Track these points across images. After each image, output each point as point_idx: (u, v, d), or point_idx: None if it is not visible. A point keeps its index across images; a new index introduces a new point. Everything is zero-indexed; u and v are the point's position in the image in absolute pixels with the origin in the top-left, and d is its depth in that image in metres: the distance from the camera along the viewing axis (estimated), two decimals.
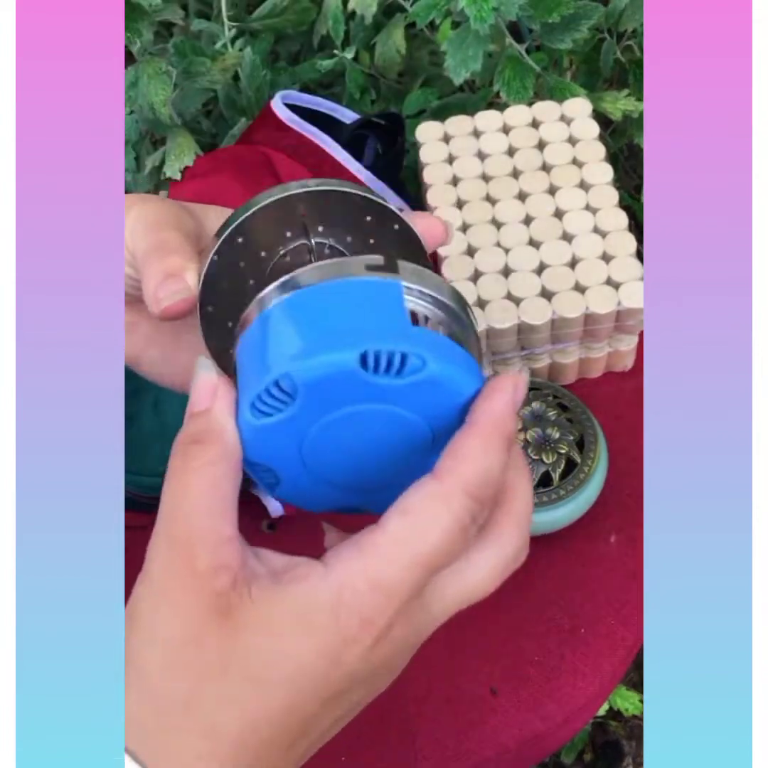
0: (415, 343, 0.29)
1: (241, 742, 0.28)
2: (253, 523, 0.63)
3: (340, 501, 0.33)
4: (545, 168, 0.65)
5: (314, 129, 0.73)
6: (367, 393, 0.29)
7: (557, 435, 0.58)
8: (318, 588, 0.28)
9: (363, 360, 0.29)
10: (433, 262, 0.66)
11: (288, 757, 0.29)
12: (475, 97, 0.80)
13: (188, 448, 0.29)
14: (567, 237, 0.62)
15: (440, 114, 0.78)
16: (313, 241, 0.35)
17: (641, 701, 0.76)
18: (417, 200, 0.72)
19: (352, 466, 0.32)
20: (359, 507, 0.33)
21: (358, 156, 0.73)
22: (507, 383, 0.29)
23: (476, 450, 0.28)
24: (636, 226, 0.80)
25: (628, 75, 0.76)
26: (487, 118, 0.67)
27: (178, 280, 0.33)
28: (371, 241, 0.36)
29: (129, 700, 0.29)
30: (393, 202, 0.71)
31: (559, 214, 0.63)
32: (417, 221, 0.35)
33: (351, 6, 0.78)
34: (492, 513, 0.30)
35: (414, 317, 0.31)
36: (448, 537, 0.28)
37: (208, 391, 0.30)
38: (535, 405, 0.60)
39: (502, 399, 0.29)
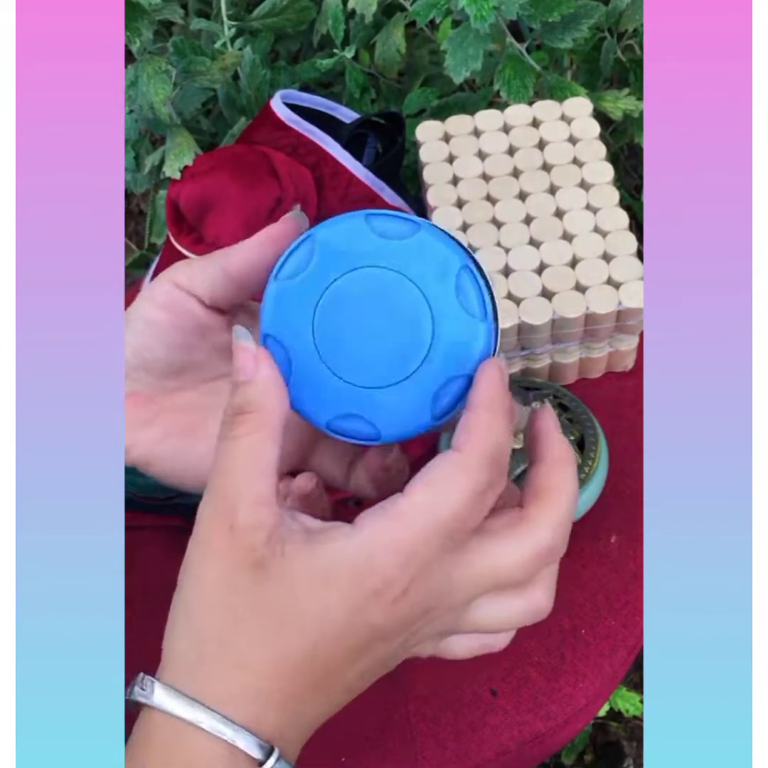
0: (410, 216, 0.35)
1: (271, 676, 0.32)
2: None
3: (342, 405, 0.35)
4: (546, 167, 0.65)
5: (314, 128, 0.73)
6: (371, 251, 0.35)
7: None
8: (344, 547, 0.31)
9: (368, 220, 0.35)
10: None
11: (315, 700, 0.33)
12: (476, 96, 0.80)
13: (234, 418, 0.32)
14: (567, 237, 0.62)
15: (440, 113, 0.78)
16: None
17: (642, 702, 0.76)
18: (417, 200, 0.72)
19: (357, 353, 0.35)
20: (358, 413, 0.35)
21: (358, 155, 0.73)
22: (493, 367, 0.34)
23: (484, 424, 0.33)
24: (636, 226, 0.80)
25: (629, 74, 0.76)
26: (488, 118, 0.67)
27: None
28: None
29: (175, 635, 0.33)
30: (393, 201, 0.71)
31: (559, 213, 0.63)
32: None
33: (351, 5, 0.78)
34: (528, 506, 0.34)
35: None
36: (468, 502, 0.32)
37: (250, 360, 0.33)
38: (536, 405, 0.60)
39: (494, 379, 0.34)
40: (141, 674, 0.35)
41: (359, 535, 0.32)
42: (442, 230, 0.35)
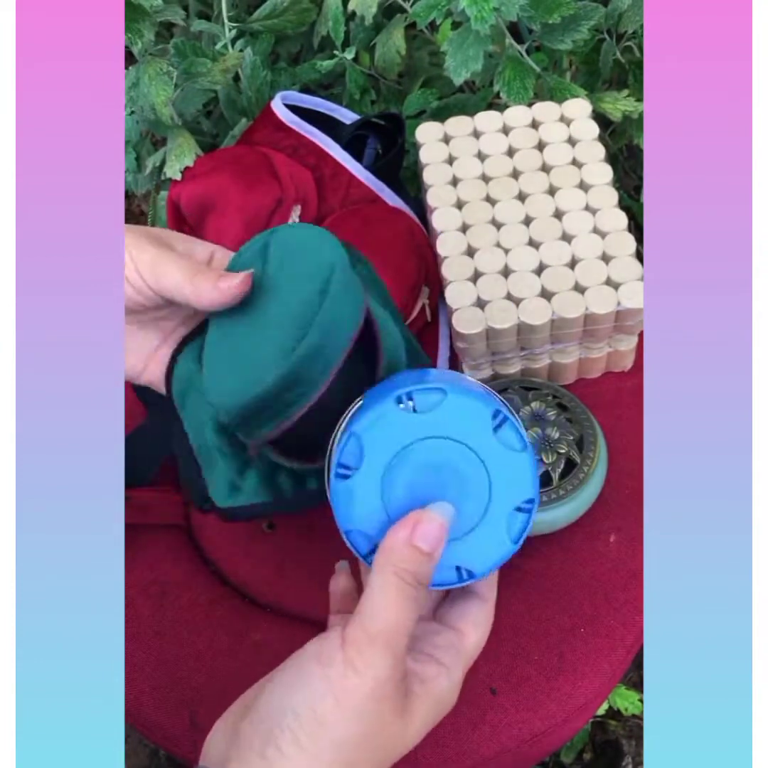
0: (435, 381, 0.39)
1: None
2: (255, 522, 0.63)
3: (444, 570, 0.40)
4: (545, 169, 0.65)
5: (314, 129, 0.73)
6: (411, 430, 0.38)
7: (557, 435, 0.58)
8: (447, 689, 0.40)
9: (398, 401, 0.39)
10: (434, 263, 0.66)
11: None
12: (475, 97, 0.80)
13: (418, 586, 0.38)
14: (566, 237, 0.62)
15: (440, 114, 0.78)
16: None
17: (641, 700, 0.76)
18: (417, 201, 0.72)
19: None
20: (453, 564, 0.40)
21: (358, 156, 0.73)
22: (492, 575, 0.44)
23: (494, 593, 0.44)
24: (635, 227, 0.80)
25: (628, 76, 0.76)
26: (487, 119, 0.67)
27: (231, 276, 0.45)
28: None
29: (321, 756, 0.36)
30: (392, 202, 0.71)
31: (558, 214, 0.63)
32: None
33: (351, 7, 0.78)
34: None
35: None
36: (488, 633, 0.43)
37: (439, 536, 0.38)
38: (535, 405, 0.60)
39: (494, 578, 0.45)
40: None
41: (453, 674, 0.40)
42: (468, 387, 0.39)
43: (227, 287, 0.44)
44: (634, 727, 0.83)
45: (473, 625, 0.42)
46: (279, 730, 0.35)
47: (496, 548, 0.40)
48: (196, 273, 0.45)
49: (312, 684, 0.36)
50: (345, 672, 0.36)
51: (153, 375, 0.50)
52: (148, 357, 0.50)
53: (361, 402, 0.41)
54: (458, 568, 0.40)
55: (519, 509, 0.39)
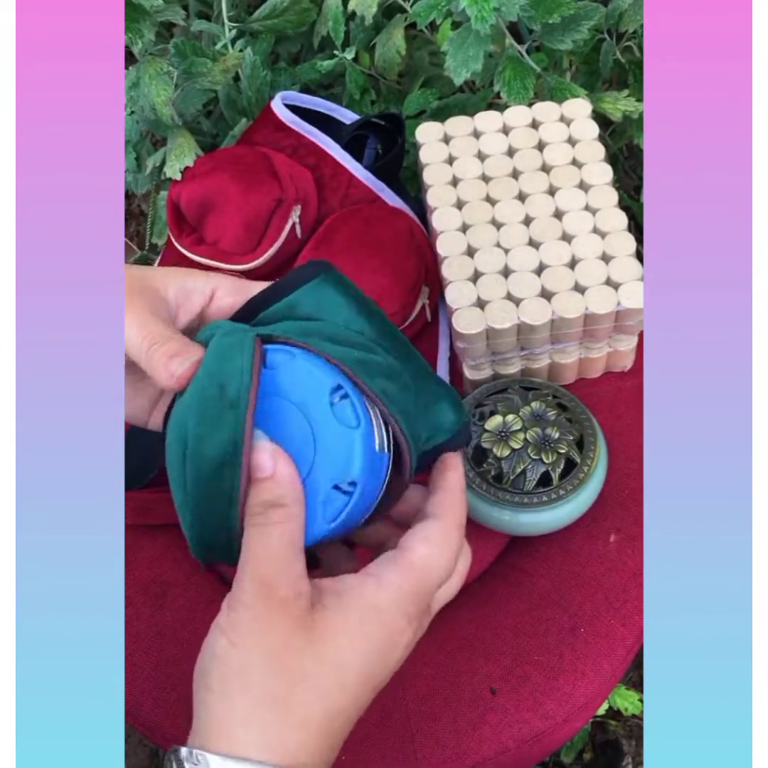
0: (288, 347, 0.39)
1: (322, 730, 0.37)
2: None
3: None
4: (545, 168, 0.65)
5: (314, 129, 0.73)
6: (264, 385, 0.39)
7: (557, 435, 0.58)
8: (376, 597, 0.38)
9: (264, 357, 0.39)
10: (434, 263, 0.66)
11: (345, 732, 0.38)
12: (475, 97, 0.80)
13: (267, 511, 0.38)
14: (566, 237, 0.62)
15: (440, 114, 0.78)
16: None
17: (641, 700, 0.76)
18: (417, 201, 0.72)
19: None
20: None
21: (358, 156, 0.73)
22: (458, 459, 0.43)
23: (459, 501, 0.41)
24: (635, 227, 0.80)
25: (628, 76, 0.76)
26: (487, 119, 0.67)
27: (182, 357, 0.41)
28: None
29: (234, 702, 0.36)
30: (392, 202, 0.71)
31: (558, 214, 0.63)
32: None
33: (351, 7, 0.78)
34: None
35: None
36: (454, 559, 0.40)
37: (268, 458, 0.38)
38: (535, 405, 0.60)
39: (461, 468, 0.43)
40: (185, 749, 0.37)
41: (383, 586, 0.38)
42: (317, 354, 0.39)
43: (174, 372, 0.40)
44: (634, 727, 0.83)
45: (422, 541, 0.39)
46: (199, 683, 0.37)
47: (308, 526, 0.38)
48: (153, 342, 0.41)
49: (209, 635, 0.38)
50: (227, 613, 0.37)
51: (158, 420, 0.47)
52: (153, 401, 0.46)
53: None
54: (336, 486, 0.38)
55: (337, 487, 0.38)
